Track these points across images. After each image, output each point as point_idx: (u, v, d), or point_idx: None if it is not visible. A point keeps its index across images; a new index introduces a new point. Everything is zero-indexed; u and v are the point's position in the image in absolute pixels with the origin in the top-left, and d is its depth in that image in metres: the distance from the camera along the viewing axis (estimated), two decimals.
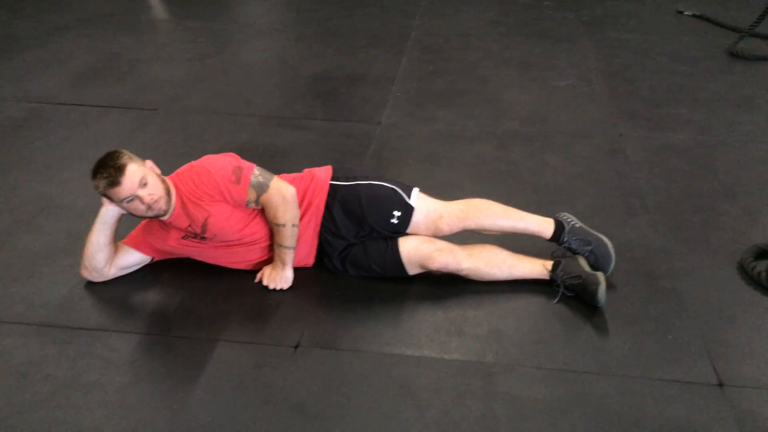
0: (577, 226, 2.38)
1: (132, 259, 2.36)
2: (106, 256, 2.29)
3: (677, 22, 5.07)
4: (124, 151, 2.17)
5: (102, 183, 2.10)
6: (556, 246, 2.39)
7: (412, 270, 2.30)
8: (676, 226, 2.66)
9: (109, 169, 2.09)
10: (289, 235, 2.23)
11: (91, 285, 2.35)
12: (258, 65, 4.39)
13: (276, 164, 3.06)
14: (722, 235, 2.61)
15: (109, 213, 2.23)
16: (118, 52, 4.55)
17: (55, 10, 5.40)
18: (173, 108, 3.74)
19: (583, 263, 2.29)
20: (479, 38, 4.77)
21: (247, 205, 2.22)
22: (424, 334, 2.15)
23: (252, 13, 5.59)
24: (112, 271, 2.33)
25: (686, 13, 5.19)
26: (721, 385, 1.96)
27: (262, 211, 2.27)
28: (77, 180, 2.98)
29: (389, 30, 4.94)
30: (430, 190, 2.46)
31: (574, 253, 2.36)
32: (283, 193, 2.19)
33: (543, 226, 2.38)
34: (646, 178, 3.00)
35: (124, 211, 2.22)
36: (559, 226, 2.38)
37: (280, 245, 2.25)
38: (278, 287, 2.31)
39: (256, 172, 2.21)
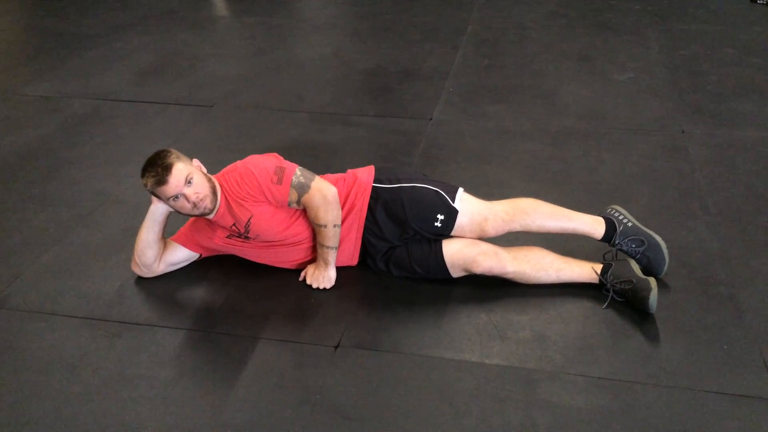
0: (630, 224, 2.30)
1: (180, 255, 2.41)
2: (155, 253, 2.35)
3: (750, 11, 4.83)
4: (172, 150, 2.21)
5: (150, 181, 2.15)
6: (607, 246, 2.31)
7: (455, 273, 2.27)
8: (737, 230, 2.53)
9: (156, 168, 2.14)
10: (331, 236, 2.23)
11: (141, 280, 2.41)
12: (312, 61, 4.41)
13: (325, 161, 3.10)
14: None
15: (157, 211, 2.29)
16: (179, 49, 4.66)
17: (121, 8, 5.57)
18: (228, 104, 3.80)
19: (634, 267, 2.21)
20: (538, 31, 4.66)
21: (288, 205, 2.23)
22: (466, 338, 2.11)
23: (309, 8, 5.63)
24: (161, 267, 2.39)
25: (760, 1, 4.93)
26: None
27: (305, 212, 2.27)
28: (134, 176, 3.05)
29: (445, 24, 4.88)
30: (479, 189, 2.42)
31: (627, 255, 2.29)
32: (324, 193, 2.19)
33: (594, 226, 2.31)
34: (708, 178, 2.87)
35: (172, 209, 2.27)
36: (611, 226, 2.30)
37: (323, 245, 2.26)
38: (321, 286, 2.31)
39: (298, 173, 2.22)
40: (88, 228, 2.75)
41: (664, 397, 1.88)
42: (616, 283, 2.18)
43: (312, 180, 2.22)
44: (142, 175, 2.17)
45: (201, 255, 2.45)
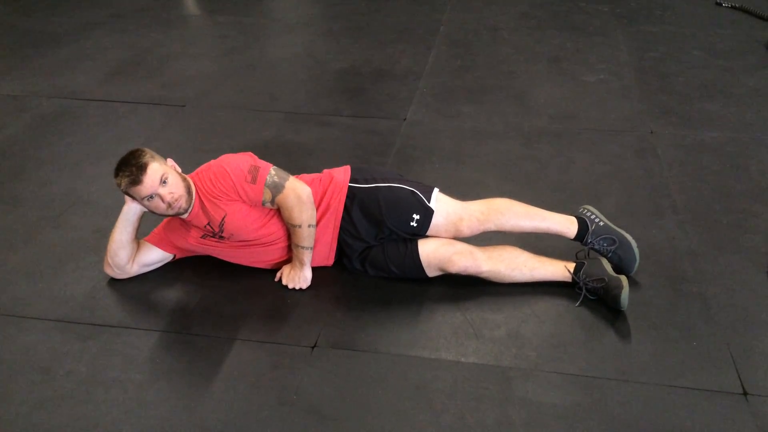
0: (601, 224, 2.33)
1: (154, 256, 2.38)
2: (129, 254, 2.32)
3: (714, 14, 4.93)
4: (146, 149, 2.19)
5: (124, 181, 2.13)
6: (580, 245, 2.35)
7: (431, 272, 2.29)
8: (705, 228, 2.59)
9: (131, 168, 2.12)
10: (305, 236, 2.23)
11: (114, 282, 2.38)
12: (285, 60, 4.39)
13: (300, 161, 3.09)
14: (753, 238, 2.53)
15: (131, 211, 2.26)
16: (149, 48, 4.60)
17: (89, 6, 5.48)
18: (200, 104, 3.77)
19: (606, 265, 2.24)
20: (509, 32, 4.70)
21: (263, 204, 2.22)
22: (442, 337, 2.13)
23: (282, 8, 5.60)
24: (135, 269, 2.36)
25: (724, 4, 5.04)
26: (745, 394, 1.90)
27: (279, 211, 2.27)
28: (105, 177, 3.01)
29: (418, 24, 4.90)
30: (453, 189, 2.44)
31: (599, 254, 2.33)
32: (298, 193, 2.19)
33: (566, 225, 2.34)
34: (676, 178, 2.93)
35: (146, 209, 2.24)
36: (583, 226, 2.34)
37: (298, 245, 2.25)
38: (297, 287, 2.31)
39: (272, 172, 2.21)
40: (58, 229, 2.70)
41: (636, 392, 1.92)
42: (589, 281, 2.22)
43: (286, 180, 2.21)
44: (116, 175, 2.15)
45: (175, 256, 2.43)
